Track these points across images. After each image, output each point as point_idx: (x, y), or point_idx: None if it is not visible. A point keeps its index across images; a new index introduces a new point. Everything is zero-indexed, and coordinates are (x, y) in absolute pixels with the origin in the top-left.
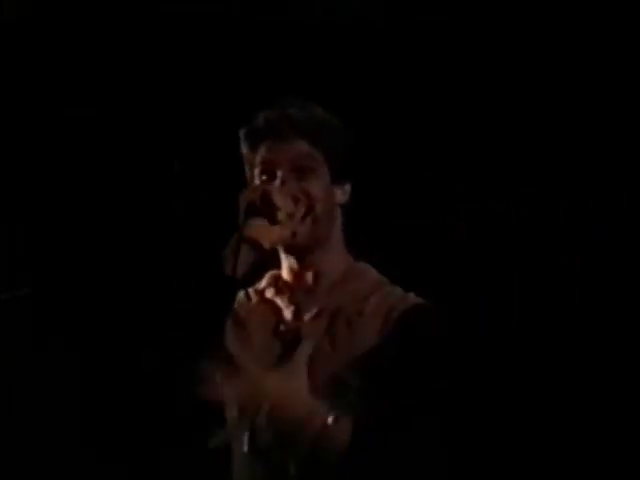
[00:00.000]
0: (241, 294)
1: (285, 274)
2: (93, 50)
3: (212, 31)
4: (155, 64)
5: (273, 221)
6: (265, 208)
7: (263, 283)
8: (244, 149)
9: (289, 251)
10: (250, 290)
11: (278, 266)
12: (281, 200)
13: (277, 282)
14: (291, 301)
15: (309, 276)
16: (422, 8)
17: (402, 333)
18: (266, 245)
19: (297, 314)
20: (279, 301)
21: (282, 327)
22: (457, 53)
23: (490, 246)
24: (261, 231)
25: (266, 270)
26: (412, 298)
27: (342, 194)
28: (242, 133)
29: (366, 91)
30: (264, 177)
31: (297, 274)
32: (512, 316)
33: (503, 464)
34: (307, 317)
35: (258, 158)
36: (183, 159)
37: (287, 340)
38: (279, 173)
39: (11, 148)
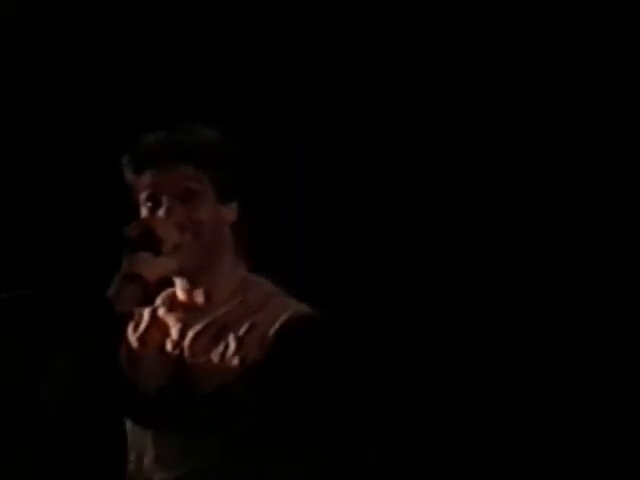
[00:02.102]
0: (136, 315)
1: (178, 292)
2: (93, 50)
3: (212, 30)
4: (155, 63)
5: (157, 253)
6: (148, 241)
7: (157, 302)
8: (127, 174)
9: (179, 274)
10: (145, 310)
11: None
12: (165, 232)
13: (170, 301)
14: (179, 319)
15: (200, 294)
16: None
17: (281, 344)
18: (151, 278)
19: (183, 331)
20: (169, 320)
21: (168, 345)
22: (449, 52)
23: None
24: (144, 265)
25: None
26: (297, 307)
27: (230, 213)
28: (125, 159)
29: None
30: (149, 204)
31: (189, 292)
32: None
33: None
34: (191, 333)
35: (142, 184)
36: None
37: (171, 358)
38: (164, 199)
39: (11, 148)
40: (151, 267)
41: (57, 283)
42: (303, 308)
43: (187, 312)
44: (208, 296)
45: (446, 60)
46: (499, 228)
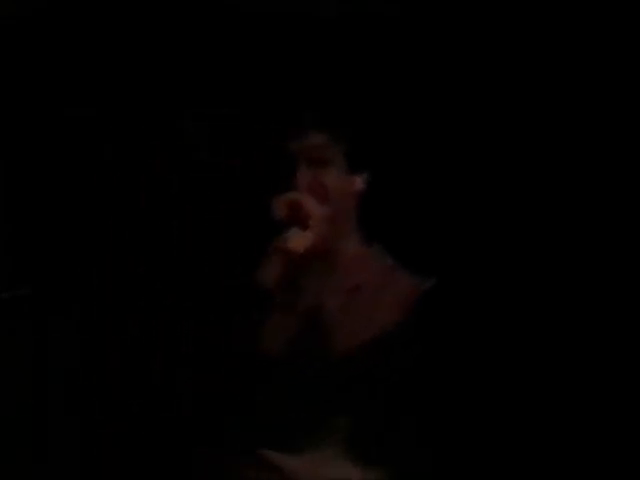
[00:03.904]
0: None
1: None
2: (93, 50)
3: (212, 30)
4: (155, 63)
5: (305, 227)
6: (295, 216)
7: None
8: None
9: (321, 245)
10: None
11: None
12: (312, 207)
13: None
14: (310, 282)
15: (329, 258)
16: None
17: (419, 318)
18: (300, 251)
19: (316, 294)
20: (301, 284)
21: (301, 307)
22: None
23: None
24: (294, 239)
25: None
26: (424, 281)
27: (360, 182)
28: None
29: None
30: (294, 171)
31: (317, 257)
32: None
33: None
34: (325, 295)
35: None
36: (183, 159)
37: (304, 319)
38: (300, 166)
39: (11, 148)
40: (299, 241)
41: (57, 283)
42: (423, 282)
43: (316, 275)
44: (335, 259)
45: (446, 60)
46: (499, 226)
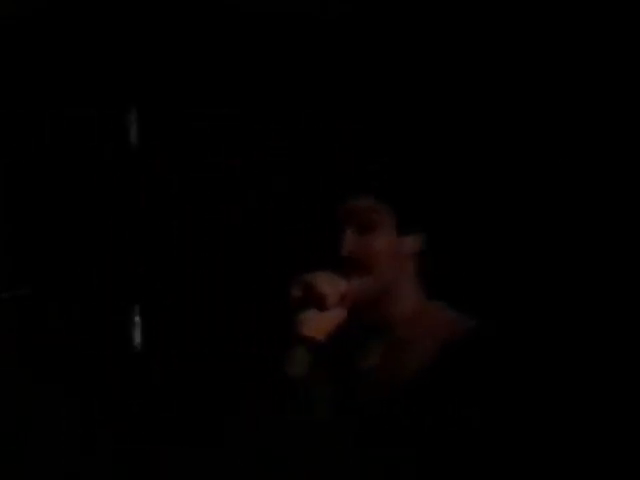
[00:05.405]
0: None
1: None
2: (93, 50)
3: (212, 30)
4: (155, 63)
5: (322, 308)
6: (312, 297)
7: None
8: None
9: (352, 316)
10: None
11: None
12: (326, 287)
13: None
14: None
15: (376, 319)
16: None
17: (442, 362)
18: (321, 337)
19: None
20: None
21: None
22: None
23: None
24: (309, 325)
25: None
26: (464, 326)
27: (413, 244)
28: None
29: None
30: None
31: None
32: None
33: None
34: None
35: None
36: (183, 159)
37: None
38: (347, 230)
39: (11, 148)
40: (317, 326)
41: (57, 283)
42: (473, 328)
43: (370, 340)
44: (384, 321)
45: (446, 61)
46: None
